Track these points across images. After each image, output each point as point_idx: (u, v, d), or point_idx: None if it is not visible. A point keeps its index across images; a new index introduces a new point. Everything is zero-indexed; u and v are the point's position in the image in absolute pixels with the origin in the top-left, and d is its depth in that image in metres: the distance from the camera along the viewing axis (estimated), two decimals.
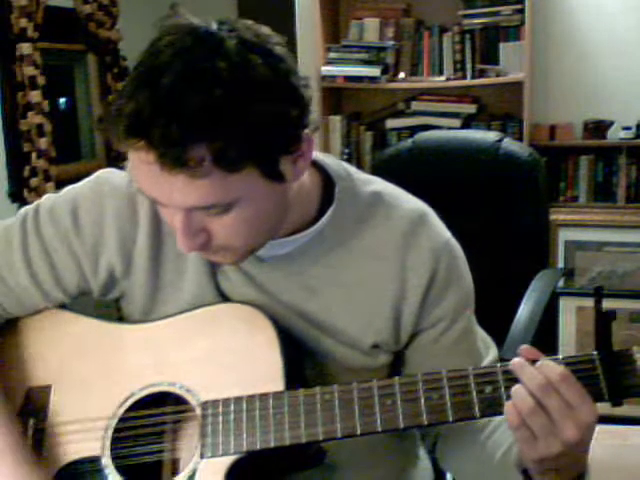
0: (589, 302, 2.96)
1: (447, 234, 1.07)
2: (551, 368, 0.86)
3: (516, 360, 0.89)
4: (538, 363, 0.87)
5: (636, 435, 2.14)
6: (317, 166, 1.05)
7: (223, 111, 0.82)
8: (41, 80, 3.01)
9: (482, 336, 1.12)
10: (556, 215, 3.23)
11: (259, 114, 0.84)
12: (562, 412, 0.84)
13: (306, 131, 0.91)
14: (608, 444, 2.01)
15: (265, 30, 0.90)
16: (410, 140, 1.88)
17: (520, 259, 1.75)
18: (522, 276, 1.73)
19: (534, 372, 0.86)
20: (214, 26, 0.88)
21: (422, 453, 1.22)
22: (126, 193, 1.05)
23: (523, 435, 0.86)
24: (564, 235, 3.30)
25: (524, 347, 0.90)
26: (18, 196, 3.04)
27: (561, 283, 3.02)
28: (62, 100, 3.64)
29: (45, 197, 1.10)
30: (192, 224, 0.90)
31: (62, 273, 1.07)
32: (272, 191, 0.91)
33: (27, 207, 1.10)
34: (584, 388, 0.86)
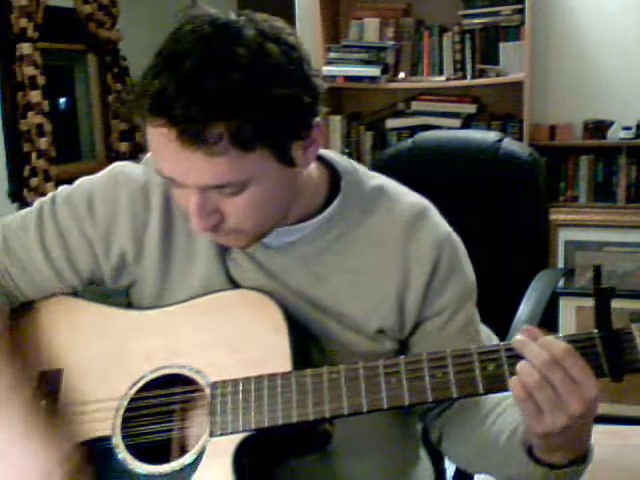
0: (589, 302, 2.94)
1: (448, 228, 1.10)
2: (554, 344, 0.87)
3: (518, 338, 0.90)
4: (540, 340, 0.88)
5: (637, 435, 2.13)
6: (325, 161, 1.09)
7: (241, 94, 0.87)
8: (41, 80, 3.01)
9: (485, 330, 1.14)
10: (556, 215, 3.23)
11: (274, 97, 0.88)
12: (567, 387, 0.86)
13: (317, 119, 0.95)
14: (608, 444, 2.01)
15: (279, 22, 0.95)
16: (410, 140, 1.88)
17: (520, 259, 1.75)
18: (522, 276, 1.72)
19: (538, 349, 0.87)
20: (233, 16, 0.92)
21: (423, 454, 1.23)
22: (140, 181, 1.09)
23: (529, 408, 0.87)
24: (564, 235, 3.30)
25: (526, 327, 0.91)
26: (18, 196, 3.04)
27: (561, 283, 3.02)
28: (62, 100, 3.64)
29: (61, 188, 1.14)
30: (206, 204, 0.94)
31: (75, 255, 1.10)
32: (283, 174, 0.95)
33: (43, 198, 1.13)
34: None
